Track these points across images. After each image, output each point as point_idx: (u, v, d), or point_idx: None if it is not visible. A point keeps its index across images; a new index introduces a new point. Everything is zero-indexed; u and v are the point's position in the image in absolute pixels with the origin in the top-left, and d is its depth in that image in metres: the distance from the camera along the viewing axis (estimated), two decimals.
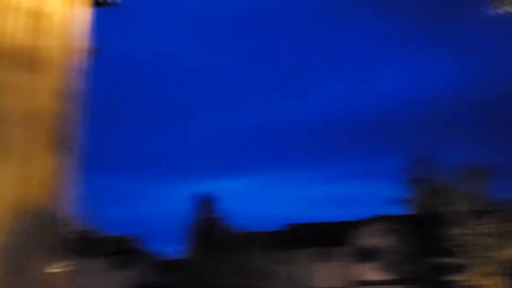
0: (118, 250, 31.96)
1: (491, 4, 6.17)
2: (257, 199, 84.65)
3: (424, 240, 28.98)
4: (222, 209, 33.65)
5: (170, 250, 39.05)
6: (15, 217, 5.39)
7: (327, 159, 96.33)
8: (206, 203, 34.06)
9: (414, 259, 31.14)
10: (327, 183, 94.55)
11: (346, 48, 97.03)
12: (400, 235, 32.68)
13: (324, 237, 34.04)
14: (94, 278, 30.04)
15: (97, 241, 27.96)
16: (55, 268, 5.56)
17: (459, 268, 22.46)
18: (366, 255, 33.77)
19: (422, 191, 28.94)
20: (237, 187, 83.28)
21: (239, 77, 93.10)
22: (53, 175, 5.90)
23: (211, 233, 32.75)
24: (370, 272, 33.25)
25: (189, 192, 71.90)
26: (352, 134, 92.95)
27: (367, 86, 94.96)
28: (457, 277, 22.54)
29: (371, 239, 33.50)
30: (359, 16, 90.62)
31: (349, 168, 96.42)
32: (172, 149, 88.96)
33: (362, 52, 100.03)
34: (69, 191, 6.05)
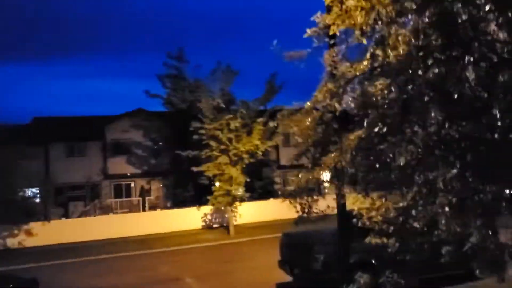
0: None
1: None
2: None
3: (173, 134, 30.82)
4: None
5: None
6: None
7: (76, 53, 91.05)
8: None
9: (163, 152, 33.12)
10: (77, 79, 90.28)
11: None
12: (152, 130, 34.04)
13: (76, 131, 32.91)
14: None
15: None
16: None
17: (203, 160, 24.64)
18: (118, 149, 34.20)
19: (174, 88, 30.31)
20: None
21: None
22: None
23: None
24: (123, 166, 34.06)
25: None
26: (103, 29, 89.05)
27: None
28: (200, 168, 24.69)
29: (123, 133, 33.88)
30: None
31: (100, 64, 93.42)
32: None
33: None
34: None
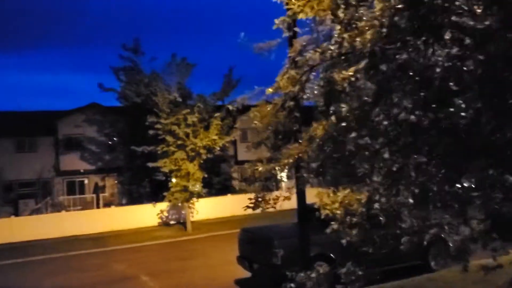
0: None
1: None
2: None
3: (129, 129, 30.04)
4: None
5: None
6: None
7: (27, 46, 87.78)
8: None
9: (118, 148, 32.25)
10: (28, 72, 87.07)
11: None
12: (106, 125, 33.10)
13: (26, 126, 31.56)
14: None
15: None
16: None
17: (159, 155, 24.09)
18: (71, 144, 33.09)
19: (129, 82, 29.48)
20: None
21: None
22: None
23: None
24: (76, 162, 32.98)
25: None
26: (55, 21, 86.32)
27: None
28: (156, 163, 24.14)
29: (75, 128, 32.78)
30: None
31: (52, 58, 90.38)
32: None
33: None
34: None
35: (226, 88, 26.05)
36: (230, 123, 25.70)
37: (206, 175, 24.97)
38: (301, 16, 4.93)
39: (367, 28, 3.82)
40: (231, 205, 28.42)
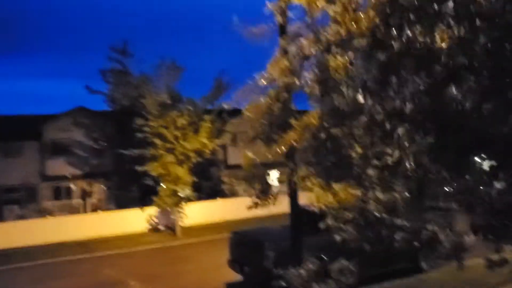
0: None
1: None
2: None
3: (117, 133, 29.61)
4: None
5: None
6: None
7: (12, 52, 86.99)
8: None
9: (106, 152, 31.79)
10: (13, 78, 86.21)
11: None
12: (93, 129, 32.63)
13: (11, 130, 31.02)
14: None
15: None
16: None
17: (148, 159, 23.73)
18: (58, 149, 32.59)
19: (117, 84, 29.08)
20: None
21: None
22: None
23: None
24: (62, 167, 32.46)
25: None
26: (41, 26, 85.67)
27: None
28: (145, 167, 23.79)
29: (62, 133, 32.30)
30: None
31: (38, 63, 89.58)
32: None
33: None
34: None
35: (217, 92, 25.77)
36: (221, 126, 25.42)
37: (195, 179, 24.65)
38: None
39: (369, 7, 3.66)
40: (221, 210, 28.13)
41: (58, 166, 32.17)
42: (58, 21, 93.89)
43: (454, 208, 6.47)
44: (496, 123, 4.53)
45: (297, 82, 4.70)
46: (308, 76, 4.60)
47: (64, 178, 32.35)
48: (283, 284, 5.89)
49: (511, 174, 5.01)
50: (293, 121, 4.95)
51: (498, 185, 5.21)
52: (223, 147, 33.30)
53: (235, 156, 34.77)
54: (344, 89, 4.02)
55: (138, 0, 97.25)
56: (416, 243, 6.04)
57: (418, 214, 5.74)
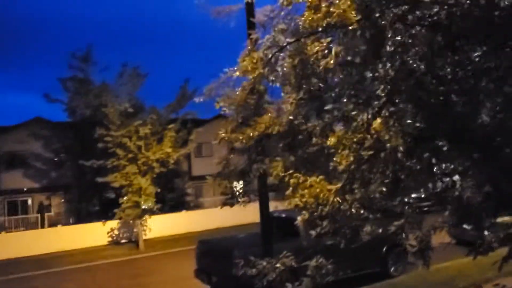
0: None
1: None
2: None
3: (77, 144, 28.67)
4: None
5: None
6: None
7: None
8: None
9: (66, 163, 30.70)
10: None
11: None
12: (52, 140, 31.51)
13: None
14: None
15: None
16: None
17: (110, 169, 23.03)
18: (14, 162, 31.30)
19: (77, 92, 28.15)
20: None
21: None
22: None
23: None
24: (19, 180, 31.18)
25: None
26: None
27: None
28: (106, 178, 23.07)
29: (19, 144, 31.04)
30: None
31: None
32: None
33: None
34: None
35: (181, 100, 25.41)
36: (185, 136, 25.02)
37: (159, 190, 24.09)
38: None
39: None
40: (186, 222, 27.57)
41: (15, 180, 30.90)
42: (18, 34, 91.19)
43: (424, 206, 6.45)
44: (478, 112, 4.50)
45: (276, 72, 4.52)
46: (284, 64, 4.44)
47: (20, 191, 31.07)
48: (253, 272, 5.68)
49: (485, 172, 4.97)
50: (267, 106, 4.77)
51: (467, 185, 5.18)
52: (188, 158, 32.84)
53: (199, 167, 34.34)
54: (323, 73, 3.88)
55: (98, 14, 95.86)
56: (382, 238, 5.90)
57: (391, 209, 5.65)
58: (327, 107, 4.14)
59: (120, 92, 24.57)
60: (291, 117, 4.26)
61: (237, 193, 6.96)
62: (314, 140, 4.40)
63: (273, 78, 4.64)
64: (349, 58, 3.78)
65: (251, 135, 4.62)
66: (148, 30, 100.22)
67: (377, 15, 3.58)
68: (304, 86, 4.04)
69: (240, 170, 5.48)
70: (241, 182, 6.35)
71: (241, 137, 4.70)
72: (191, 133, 26.03)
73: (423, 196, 5.93)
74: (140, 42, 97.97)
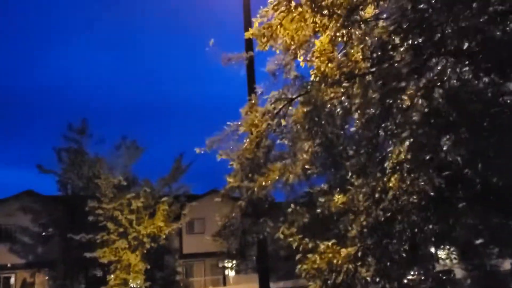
0: None
1: None
2: None
3: (67, 217, 27.79)
4: None
5: None
6: None
7: None
8: None
9: (54, 238, 29.55)
10: None
11: None
12: (42, 213, 30.59)
13: None
14: None
15: None
16: None
17: (99, 244, 22.11)
18: (1, 236, 30.19)
19: (71, 164, 27.66)
20: None
21: None
22: None
23: None
24: (4, 255, 29.87)
25: None
26: None
27: None
28: (94, 254, 22.08)
29: (7, 218, 30.07)
30: None
31: None
32: None
33: None
34: None
35: (175, 173, 25.06)
36: (178, 210, 24.39)
37: (148, 267, 23.01)
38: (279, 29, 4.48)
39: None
40: None
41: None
42: (14, 109, 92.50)
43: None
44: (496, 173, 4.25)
45: (279, 126, 4.31)
46: (294, 114, 4.24)
47: (4, 267, 29.66)
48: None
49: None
50: (274, 165, 4.50)
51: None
52: (179, 234, 31.93)
53: (191, 245, 33.31)
54: (339, 120, 3.67)
55: (91, 90, 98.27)
56: None
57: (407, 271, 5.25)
58: (348, 163, 3.91)
59: (115, 165, 24.26)
60: (306, 166, 3.98)
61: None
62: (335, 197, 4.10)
63: (281, 131, 4.42)
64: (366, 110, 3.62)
65: (263, 184, 4.31)
66: (143, 105, 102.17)
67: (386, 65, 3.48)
68: (319, 133, 3.80)
69: (242, 231, 5.11)
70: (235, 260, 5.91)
71: (252, 185, 4.38)
72: (184, 207, 25.41)
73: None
74: (135, 116, 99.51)
